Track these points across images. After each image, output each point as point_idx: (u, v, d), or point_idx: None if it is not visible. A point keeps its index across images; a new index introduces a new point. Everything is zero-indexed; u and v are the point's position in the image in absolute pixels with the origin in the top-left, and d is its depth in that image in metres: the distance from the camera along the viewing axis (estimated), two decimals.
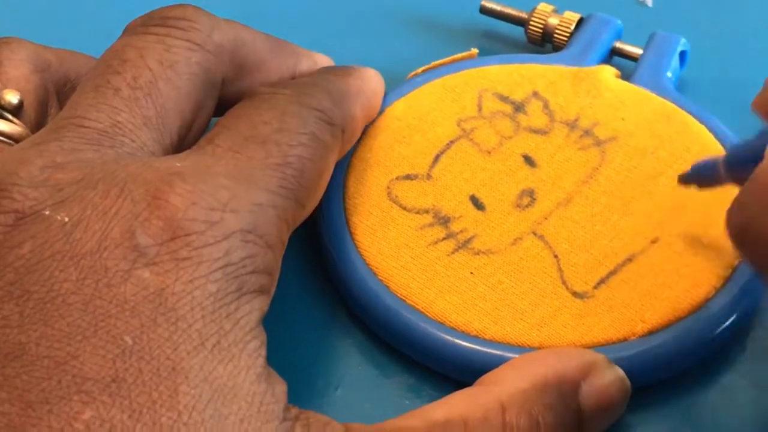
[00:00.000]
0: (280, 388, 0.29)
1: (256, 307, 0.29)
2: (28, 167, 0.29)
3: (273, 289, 0.31)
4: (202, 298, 0.28)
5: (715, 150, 0.39)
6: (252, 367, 0.28)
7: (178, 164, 0.30)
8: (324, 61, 0.40)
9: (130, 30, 0.34)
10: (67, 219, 0.28)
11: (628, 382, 0.33)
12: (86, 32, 0.46)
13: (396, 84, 0.42)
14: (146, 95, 0.32)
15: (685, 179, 0.37)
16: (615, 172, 0.39)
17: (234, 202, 0.29)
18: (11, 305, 0.27)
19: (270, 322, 0.30)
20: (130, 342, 0.27)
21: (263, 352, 0.29)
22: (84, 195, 0.29)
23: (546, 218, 0.38)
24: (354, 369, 0.37)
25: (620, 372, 0.33)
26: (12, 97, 0.35)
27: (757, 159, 0.31)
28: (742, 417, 0.34)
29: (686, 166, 0.38)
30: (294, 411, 0.29)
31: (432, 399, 0.35)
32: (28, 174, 0.29)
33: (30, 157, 0.30)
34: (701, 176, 0.36)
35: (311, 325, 0.38)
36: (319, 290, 0.38)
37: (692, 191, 0.37)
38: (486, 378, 0.32)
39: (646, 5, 0.48)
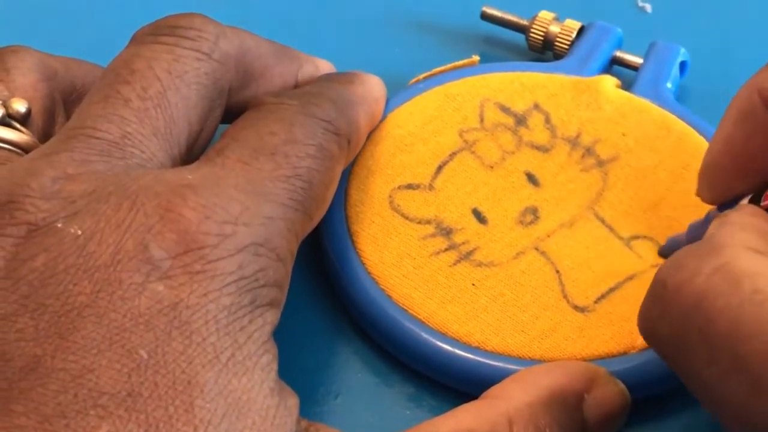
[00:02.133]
0: (292, 401, 0.29)
1: (268, 321, 0.29)
2: (40, 179, 0.29)
3: (283, 302, 0.31)
4: (217, 311, 0.28)
5: None
6: (265, 380, 0.28)
7: (190, 176, 0.30)
8: (325, 66, 0.40)
9: (138, 39, 0.34)
10: (80, 232, 0.28)
11: (628, 394, 0.33)
12: (90, 40, 0.46)
13: (397, 90, 0.42)
14: (156, 106, 0.32)
15: (662, 255, 0.38)
16: (618, 200, 0.39)
17: (246, 215, 0.29)
18: (26, 318, 0.27)
19: None
20: (145, 356, 0.27)
21: (275, 365, 0.29)
22: (96, 208, 0.29)
23: (549, 236, 0.38)
24: (355, 377, 0.37)
25: (621, 385, 0.33)
26: (20, 106, 0.34)
27: None
28: None
29: (685, 186, 0.39)
30: (304, 423, 0.29)
31: (432, 409, 0.36)
32: (39, 185, 0.29)
33: (41, 168, 0.30)
34: (672, 252, 0.37)
35: (312, 333, 0.38)
36: (320, 298, 0.38)
37: (693, 217, 0.37)
38: (491, 392, 0.32)
39: (646, 11, 0.48)
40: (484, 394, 0.32)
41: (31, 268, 0.28)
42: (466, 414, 0.31)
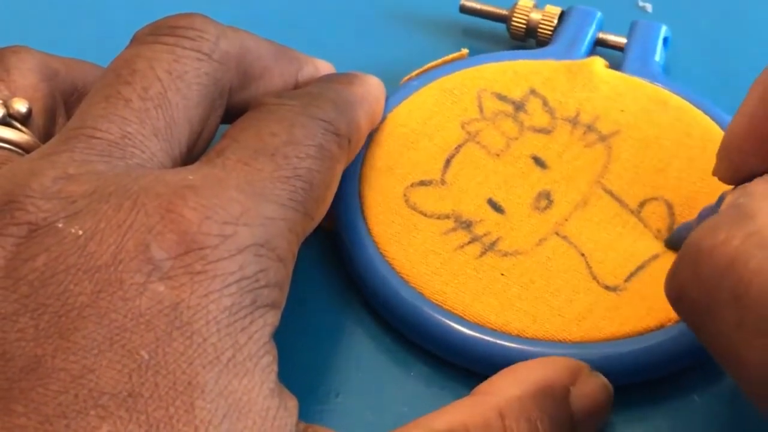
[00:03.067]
0: (292, 403, 0.29)
1: (268, 322, 0.29)
2: (41, 179, 0.29)
3: (283, 303, 0.31)
4: (217, 312, 0.28)
5: (714, 132, 0.40)
6: (265, 381, 0.28)
7: (190, 177, 0.30)
8: (325, 67, 0.41)
9: (139, 39, 0.34)
10: (81, 232, 0.28)
11: (611, 387, 0.34)
12: (90, 39, 0.46)
13: (387, 87, 0.41)
14: (156, 106, 0.32)
15: (670, 244, 0.38)
16: (624, 169, 0.39)
17: (246, 216, 0.29)
18: (26, 318, 0.27)
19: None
20: (146, 356, 0.27)
21: (275, 367, 0.29)
22: (97, 208, 0.29)
23: (566, 220, 0.38)
24: (355, 376, 0.37)
25: (603, 378, 0.34)
26: (21, 106, 0.34)
27: None
28: None
29: (689, 152, 0.39)
30: (302, 426, 0.29)
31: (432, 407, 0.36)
32: (40, 186, 0.29)
33: (42, 169, 0.30)
34: (683, 239, 0.37)
35: (313, 331, 0.38)
36: (330, 297, 0.39)
37: (702, 179, 0.38)
38: (481, 388, 0.32)
39: (646, 11, 0.49)
40: (473, 390, 0.32)
41: (32, 268, 0.28)
42: (459, 409, 0.31)
